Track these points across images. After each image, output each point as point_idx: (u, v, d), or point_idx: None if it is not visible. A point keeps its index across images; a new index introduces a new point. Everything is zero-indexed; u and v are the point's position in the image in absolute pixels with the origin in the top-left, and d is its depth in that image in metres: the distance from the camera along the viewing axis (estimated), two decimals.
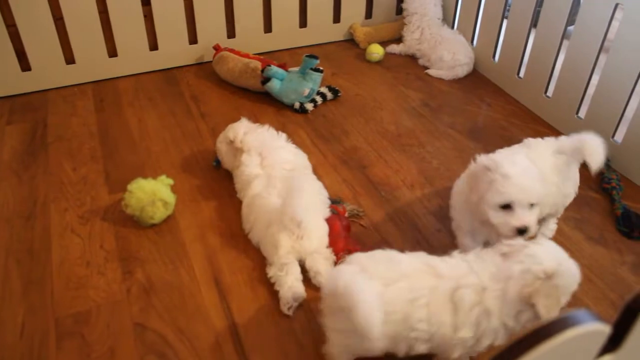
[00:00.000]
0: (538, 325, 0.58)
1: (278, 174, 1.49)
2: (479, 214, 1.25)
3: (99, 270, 1.40)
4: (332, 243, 1.41)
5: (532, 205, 1.20)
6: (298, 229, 1.34)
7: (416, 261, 1.10)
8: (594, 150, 1.28)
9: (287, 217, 1.33)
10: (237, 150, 1.59)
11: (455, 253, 1.14)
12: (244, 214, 1.51)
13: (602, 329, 0.60)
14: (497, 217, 1.20)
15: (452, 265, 1.09)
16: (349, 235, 1.47)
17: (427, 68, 2.39)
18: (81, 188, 1.67)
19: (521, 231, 1.19)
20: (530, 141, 1.41)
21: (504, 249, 1.09)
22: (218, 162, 1.73)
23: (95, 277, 1.39)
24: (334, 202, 1.56)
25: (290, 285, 1.32)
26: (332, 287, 1.03)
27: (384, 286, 1.03)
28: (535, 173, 1.22)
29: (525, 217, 1.19)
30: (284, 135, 1.64)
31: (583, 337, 0.58)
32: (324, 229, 1.42)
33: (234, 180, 1.61)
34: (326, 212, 1.46)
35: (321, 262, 1.37)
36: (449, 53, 2.31)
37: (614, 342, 0.64)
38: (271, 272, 1.36)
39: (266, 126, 1.65)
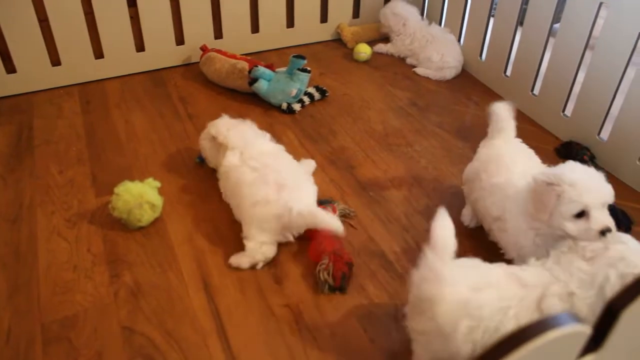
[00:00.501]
0: (520, 328, 0.59)
1: (259, 161, 1.48)
2: (551, 230, 1.21)
3: (86, 274, 1.40)
4: (319, 243, 1.41)
5: (603, 205, 1.18)
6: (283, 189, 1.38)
7: (500, 270, 1.08)
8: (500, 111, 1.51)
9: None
10: (220, 146, 1.58)
11: (533, 261, 1.11)
12: (223, 186, 1.54)
13: (583, 330, 0.61)
14: (576, 228, 1.16)
15: (535, 274, 1.07)
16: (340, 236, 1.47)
17: (414, 66, 2.39)
18: (68, 191, 1.66)
19: (604, 232, 1.14)
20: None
21: (588, 253, 1.06)
22: (202, 159, 1.73)
23: (82, 280, 1.38)
24: (325, 201, 1.56)
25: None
26: (420, 274, 1.02)
27: (474, 291, 1.00)
28: (596, 173, 1.20)
29: (605, 218, 1.15)
30: (268, 135, 1.63)
31: (564, 338, 0.59)
32: (314, 190, 1.46)
33: (218, 176, 1.60)
34: (310, 179, 1.51)
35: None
36: (438, 54, 2.31)
37: (596, 341, 0.65)
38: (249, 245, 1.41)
39: (248, 121, 1.64)
